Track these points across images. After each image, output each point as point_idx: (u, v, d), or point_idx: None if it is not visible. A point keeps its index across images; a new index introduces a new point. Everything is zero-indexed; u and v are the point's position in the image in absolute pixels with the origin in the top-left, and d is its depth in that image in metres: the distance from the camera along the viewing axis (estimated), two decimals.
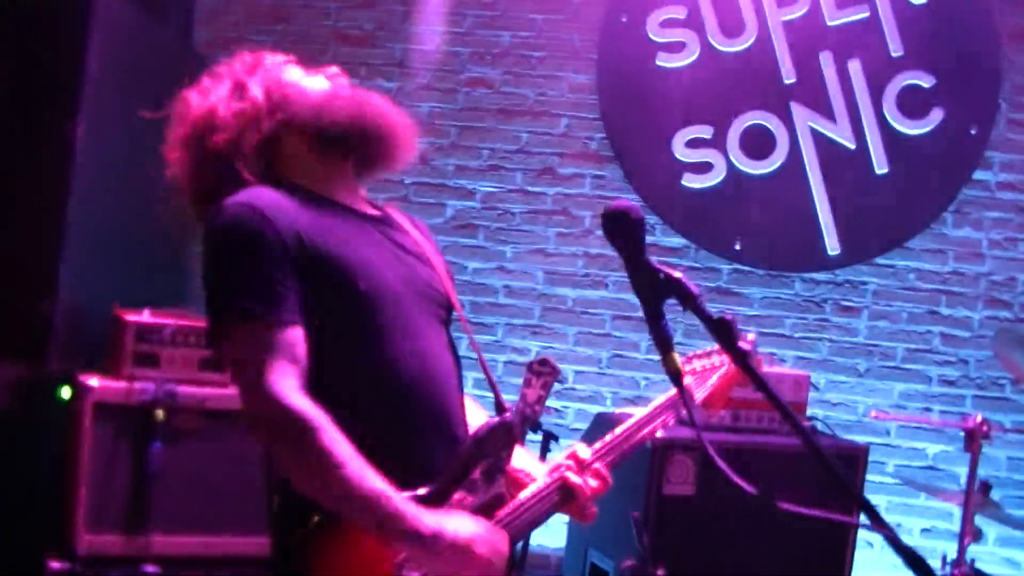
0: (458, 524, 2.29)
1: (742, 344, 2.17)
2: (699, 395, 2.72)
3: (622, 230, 2.18)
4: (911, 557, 1.94)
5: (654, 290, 2.16)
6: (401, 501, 2.23)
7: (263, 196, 2.35)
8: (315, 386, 2.25)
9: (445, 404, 2.49)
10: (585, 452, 2.54)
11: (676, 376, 2.20)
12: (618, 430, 2.61)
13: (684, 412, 2.53)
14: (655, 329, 2.18)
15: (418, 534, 2.23)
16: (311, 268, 2.30)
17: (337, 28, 6.21)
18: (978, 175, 5.92)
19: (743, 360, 2.10)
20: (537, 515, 2.48)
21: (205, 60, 3.86)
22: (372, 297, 2.37)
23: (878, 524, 2.01)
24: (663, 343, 2.18)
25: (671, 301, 2.16)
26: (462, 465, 2.41)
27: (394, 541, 2.24)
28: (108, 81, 4.69)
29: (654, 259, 2.18)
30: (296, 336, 2.25)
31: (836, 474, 1.96)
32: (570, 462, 2.53)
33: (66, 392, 4.31)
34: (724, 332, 2.12)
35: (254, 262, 2.26)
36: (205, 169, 2.48)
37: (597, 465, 2.54)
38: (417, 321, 2.47)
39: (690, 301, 2.13)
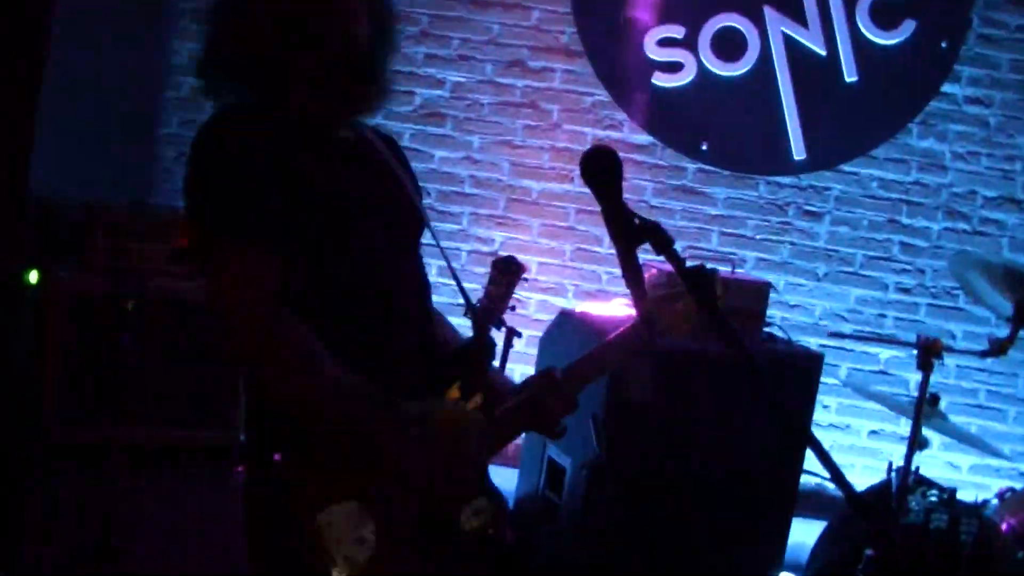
0: (443, 407, 2.39)
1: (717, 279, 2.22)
2: (663, 323, 2.73)
3: (600, 173, 2.18)
4: (856, 503, 2.01)
5: (629, 235, 2.17)
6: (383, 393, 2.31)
7: (254, 115, 2.36)
8: (292, 301, 2.27)
9: (414, 321, 2.53)
10: (557, 374, 2.57)
11: (648, 319, 2.24)
12: (587, 353, 2.62)
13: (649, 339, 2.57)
14: (628, 271, 2.20)
15: (406, 415, 2.31)
16: (293, 191, 2.31)
17: None
18: (946, 88, 5.95)
19: (714, 314, 2.10)
20: (508, 431, 2.53)
21: None
22: (348, 222, 2.39)
23: (826, 465, 2.07)
24: (635, 285, 2.22)
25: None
26: (438, 380, 2.47)
27: (379, 427, 2.29)
28: None
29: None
30: (274, 253, 2.26)
31: (793, 423, 2.01)
32: (543, 382, 2.56)
33: (33, 276, 4.30)
34: (699, 283, 2.14)
35: (241, 178, 2.26)
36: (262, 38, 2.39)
37: (565, 387, 2.56)
38: (388, 244, 2.49)
39: (666, 248, 2.14)
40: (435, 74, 5.97)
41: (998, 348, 4.46)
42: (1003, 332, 4.43)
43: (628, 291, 2.23)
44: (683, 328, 2.66)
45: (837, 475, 2.04)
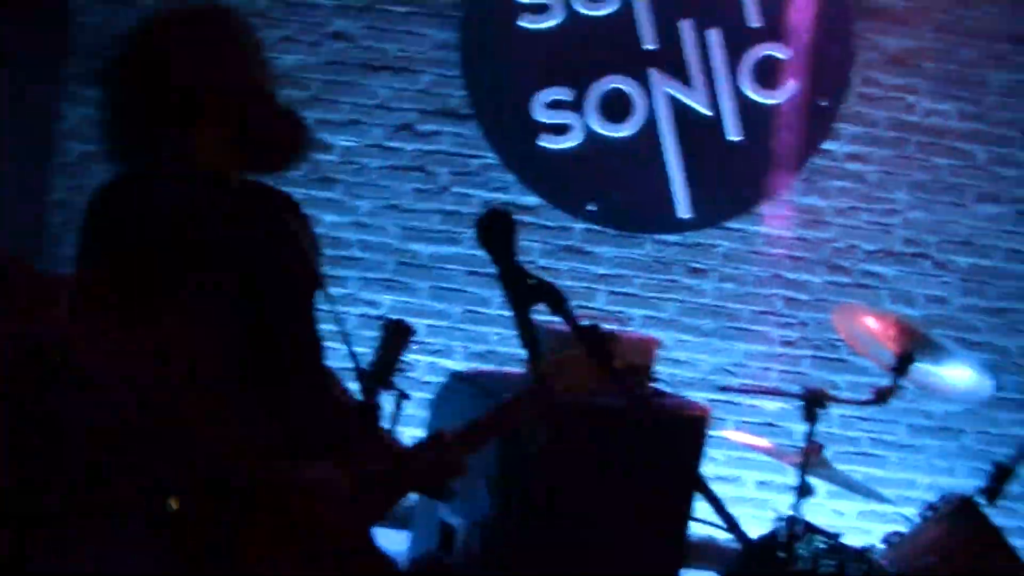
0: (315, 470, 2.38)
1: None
2: (560, 384, 2.75)
3: (496, 235, 2.23)
4: (751, 550, 2.05)
5: (523, 295, 2.21)
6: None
7: (156, 177, 2.36)
8: (197, 359, 2.28)
9: (309, 381, 2.54)
10: (448, 437, 2.58)
11: (542, 380, 2.26)
12: (481, 416, 2.64)
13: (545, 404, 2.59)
14: (524, 332, 2.23)
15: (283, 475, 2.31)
16: (196, 252, 2.31)
17: None
18: (827, 146, 6.09)
19: (612, 374, 2.16)
20: (396, 493, 2.54)
21: None
22: (248, 282, 2.40)
23: (721, 515, 2.10)
24: (531, 346, 2.24)
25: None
26: (329, 441, 2.47)
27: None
28: None
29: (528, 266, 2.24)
30: (180, 313, 2.27)
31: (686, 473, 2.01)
32: (433, 444, 2.57)
33: None
34: (594, 343, 2.19)
35: (146, 240, 2.26)
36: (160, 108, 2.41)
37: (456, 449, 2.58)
38: (284, 304, 2.50)
39: (560, 308, 2.19)
40: (326, 138, 5.98)
41: (881, 396, 4.61)
42: (885, 381, 4.57)
43: (524, 351, 2.26)
44: (580, 388, 2.69)
45: (732, 524, 2.08)
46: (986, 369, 4.67)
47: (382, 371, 3.42)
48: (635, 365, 4.60)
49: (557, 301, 2.20)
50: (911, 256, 6.18)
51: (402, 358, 3.07)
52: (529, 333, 2.22)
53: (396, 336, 3.49)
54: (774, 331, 6.15)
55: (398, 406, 4.74)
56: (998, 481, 4.55)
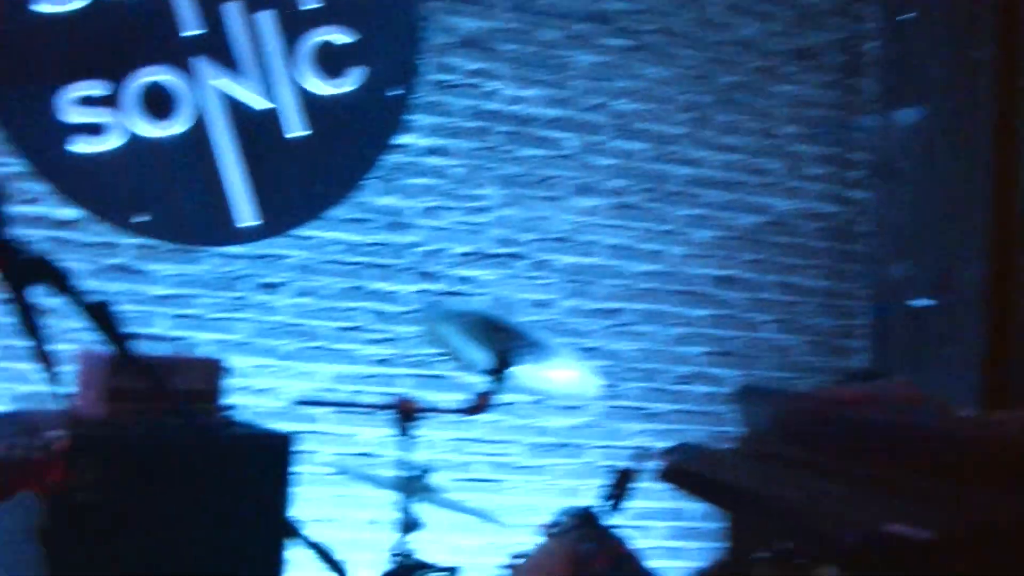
0: None
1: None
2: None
3: None
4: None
5: (20, 272, 1.96)
6: None
7: None
8: None
9: None
10: None
11: None
12: None
13: None
14: (24, 316, 1.95)
15: None
16: None
17: None
18: (402, 139, 5.55)
19: (121, 345, 1.96)
20: None
21: None
22: None
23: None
24: (34, 332, 1.97)
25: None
26: None
27: None
28: None
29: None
30: None
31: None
32: None
33: None
34: (102, 318, 1.98)
35: None
36: None
37: None
38: None
39: (61, 283, 1.98)
40: None
41: (481, 403, 4.24)
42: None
43: (24, 334, 1.98)
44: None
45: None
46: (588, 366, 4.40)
47: None
48: (196, 391, 4.04)
49: (57, 277, 1.98)
50: (506, 257, 5.67)
51: None
52: (27, 314, 1.96)
53: None
54: (363, 349, 5.54)
55: None
56: (619, 487, 4.19)
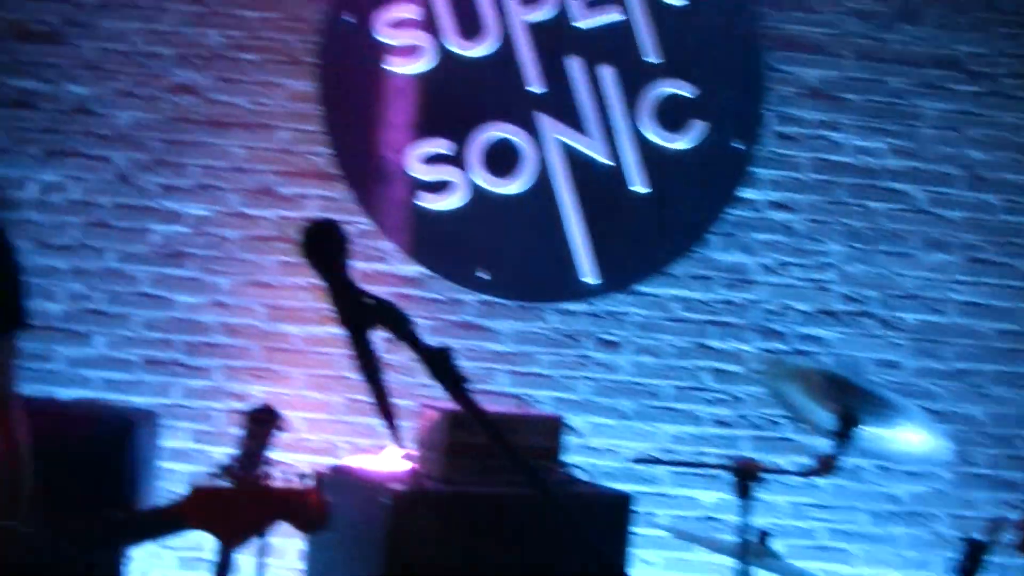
0: None
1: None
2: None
3: (321, 245, 2.00)
4: None
5: (359, 315, 1.96)
6: None
7: None
8: None
9: None
10: None
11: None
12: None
13: None
14: (363, 360, 1.95)
15: None
16: None
17: (16, 21, 5.36)
18: (745, 194, 5.42)
19: (462, 396, 1.94)
20: None
21: None
22: None
23: None
24: (372, 375, 1.96)
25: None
26: None
27: None
28: None
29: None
30: None
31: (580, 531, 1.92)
32: None
33: None
34: (442, 365, 1.94)
35: None
36: None
37: None
38: None
39: (402, 329, 1.94)
40: (173, 207, 5.30)
41: (824, 466, 3.99)
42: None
43: (364, 382, 1.99)
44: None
45: None
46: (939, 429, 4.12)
47: (245, 466, 2.82)
48: (536, 447, 4.05)
49: (399, 322, 1.95)
50: (853, 315, 5.46)
51: (266, 450, 2.61)
52: (368, 359, 1.95)
53: (262, 424, 2.97)
54: (703, 409, 5.40)
55: None
56: (972, 560, 3.92)
